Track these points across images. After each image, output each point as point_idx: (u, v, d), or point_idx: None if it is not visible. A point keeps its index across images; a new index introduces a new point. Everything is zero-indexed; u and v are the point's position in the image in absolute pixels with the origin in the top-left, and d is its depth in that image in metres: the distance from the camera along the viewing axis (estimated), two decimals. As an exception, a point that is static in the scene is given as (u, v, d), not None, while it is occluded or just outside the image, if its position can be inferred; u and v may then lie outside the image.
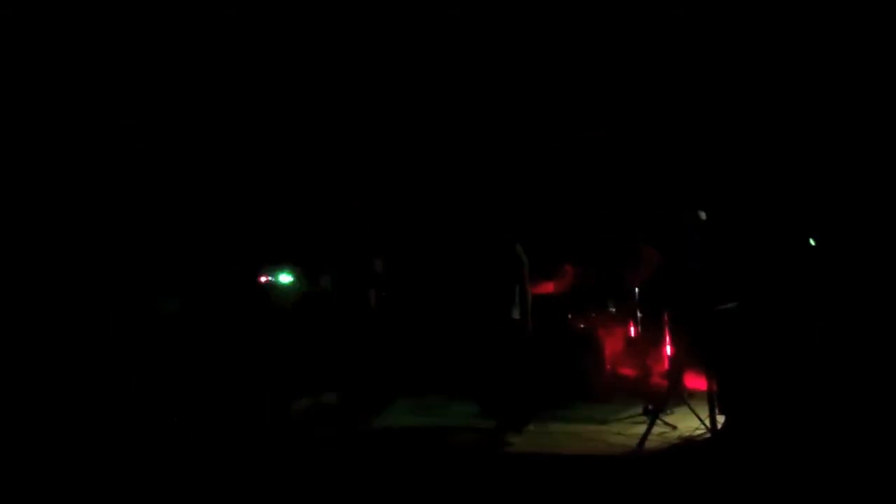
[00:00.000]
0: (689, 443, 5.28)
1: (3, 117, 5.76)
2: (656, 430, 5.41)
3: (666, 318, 6.78)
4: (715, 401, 5.20)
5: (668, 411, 5.75)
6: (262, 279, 7.00)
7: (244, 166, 7.40)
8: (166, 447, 5.59)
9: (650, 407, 5.83)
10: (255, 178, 7.48)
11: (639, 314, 6.93)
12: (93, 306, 6.11)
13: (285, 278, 6.86)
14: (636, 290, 6.96)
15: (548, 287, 7.32)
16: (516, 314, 6.01)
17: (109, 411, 5.92)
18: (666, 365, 6.76)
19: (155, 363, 6.28)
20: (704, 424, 5.24)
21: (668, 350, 6.85)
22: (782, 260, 5.42)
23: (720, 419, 5.19)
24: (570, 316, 7.28)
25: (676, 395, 5.76)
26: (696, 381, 6.15)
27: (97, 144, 6.25)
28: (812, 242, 5.34)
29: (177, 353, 6.36)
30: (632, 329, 7.20)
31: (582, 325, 7.20)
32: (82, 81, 6.00)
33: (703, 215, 5.53)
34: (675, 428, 5.57)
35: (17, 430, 5.53)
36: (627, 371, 7.19)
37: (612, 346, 7.17)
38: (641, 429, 5.40)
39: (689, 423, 5.49)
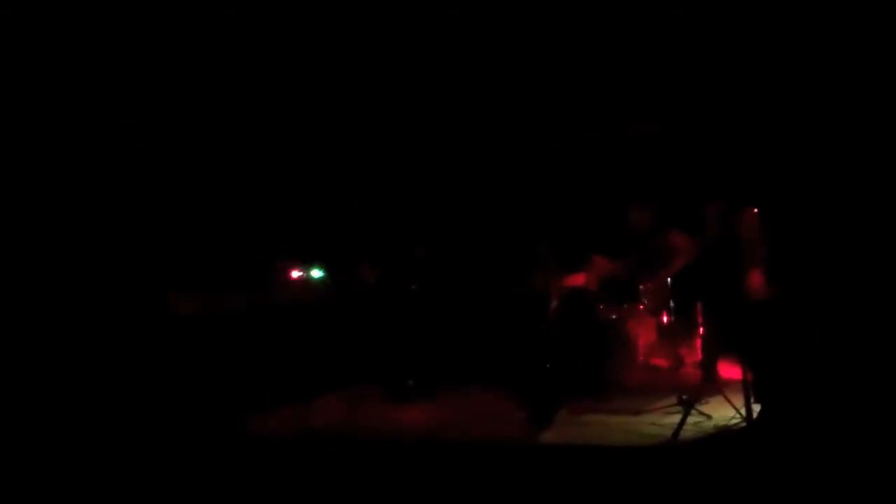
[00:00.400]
0: (724, 432, 5.23)
1: (2, 116, 5.80)
2: (691, 419, 5.36)
3: (699, 307, 6.74)
4: (750, 390, 5.15)
5: (703, 401, 5.69)
6: (295, 274, 7.05)
7: (244, 167, 7.45)
8: (166, 447, 5.62)
9: (684, 397, 5.77)
10: (255, 178, 7.52)
11: (671, 304, 6.88)
12: (93, 306, 6.13)
13: (317, 272, 6.93)
14: (669, 279, 6.91)
15: (579, 279, 7.29)
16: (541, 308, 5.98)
17: (109, 411, 5.94)
18: (699, 355, 6.71)
19: (158, 363, 6.32)
20: (740, 413, 5.19)
21: (702, 340, 6.80)
22: (819, 248, 5.34)
23: (756, 408, 5.13)
24: (601, 307, 7.23)
25: (711, 385, 5.70)
26: (730, 370, 6.09)
27: (98, 145, 6.28)
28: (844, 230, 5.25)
29: (181, 352, 6.40)
30: (664, 319, 7.16)
31: (614, 316, 7.15)
32: (83, 81, 6.02)
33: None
34: (710, 417, 5.52)
35: (16, 430, 5.56)
36: (660, 362, 7.13)
37: (644, 336, 7.12)
38: (675, 419, 5.36)
39: (724, 412, 5.43)
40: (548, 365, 5.86)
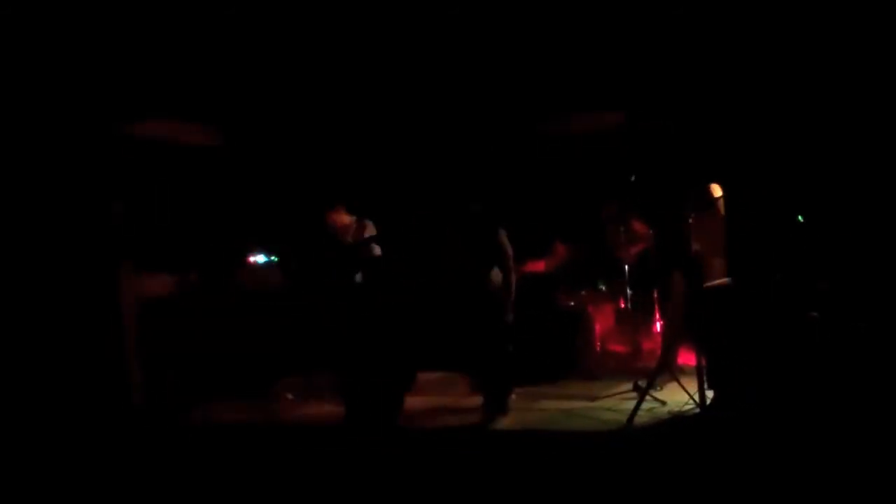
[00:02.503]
0: (678, 418, 5.31)
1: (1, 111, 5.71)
2: (646, 405, 5.43)
3: (656, 294, 6.83)
4: (704, 376, 5.23)
5: (658, 387, 5.77)
6: (252, 258, 6.97)
7: (245, 164, 7.39)
8: (167, 445, 5.54)
9: (640, 383, 5.86)
10: (255, 173, 7.47)
11: (629, 291, 6.95)
12: (93, 305, 6.04)
13: (272, 256, 6.86)
14: (626, 266, 6.99)
15: (538, 265, 7.34)
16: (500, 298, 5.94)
17: (109, 409, 5.88)
18: (656, 341, 6.81)
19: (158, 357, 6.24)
20: (693, 399, 5.27)
21: (659, 326, 6.90)
22: (772, 237, 5.42)
23: (709, 394, 5.21)
24: (560, 293, 7.29)
25: (666, 371, 5.79)
26: (686, 357, 6.19)
27: (97, 143, 6.19)
28: (800, 219, 5.35)
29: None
30: (622, 306, 7.24)
31: (572, 303, 7.21)
32: (84, 74, 5.92)
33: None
34: (664, 403, 5.60)
35: (15, 429, 5.48)
36: (618, 347, 7.23)
37: (602, 322, 7.20)
38: (632, 404, 5.42)
39: (678, 398, 5.51)
40: (509, 349, 5.86)
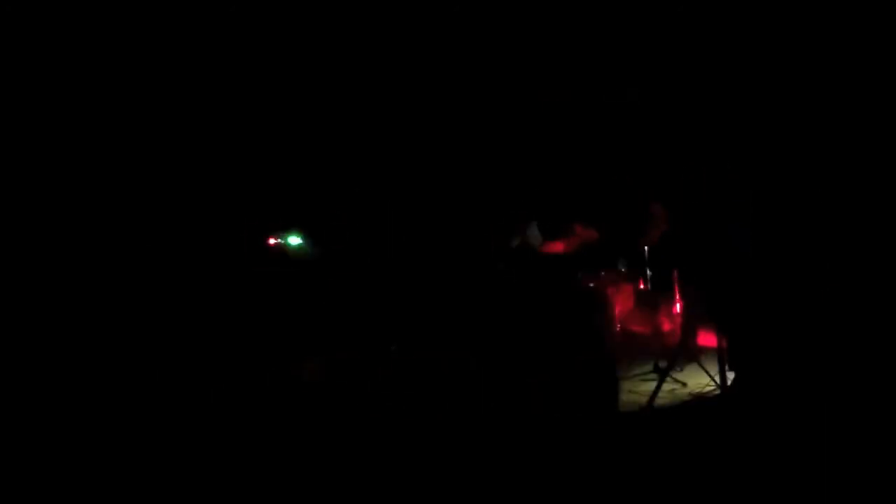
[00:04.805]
0: (698, 399, 5.31)
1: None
2: (667, 387, 5.42)
3: (676, 275, 6.78)
4: (725, 357, 5.21)
5: (679, 368, 5.76)
6: (272, 241, 6.99)
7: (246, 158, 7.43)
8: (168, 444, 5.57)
9: (660, 364, 5.84)
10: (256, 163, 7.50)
11: (649, 272, 6.91)
12: (92, 302, 6.08)
13: (294, 240, 6.86)
14: (646, 248, 6.95)
15: (557, 246, 7.31)
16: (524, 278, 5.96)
17: (109, 407, 5.89)
18: (676, 322, 6.78)
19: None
20: (714, 381, 5.26)
21: (679, 307, 6.86)
22: (794, 217, 5.38)
23: (730, 376, 5.20)
24: (579, 275, 7.26)
25: (687, 353, 5.77)
26: (706, 339, 6.16)
27: (97, 140, 6.23)
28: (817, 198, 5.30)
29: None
30: (642, 287, 7.21)
31: (591, 284, 7.19)
32: (86, 75, 5.97)
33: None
34: (685, 385, 5.59)
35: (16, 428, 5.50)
36: (637, 328, 7.20)
37: (621, 304, 7.18)
38: (652, 386, 5.41)
39: (699, 379, 5.51)
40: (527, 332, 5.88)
